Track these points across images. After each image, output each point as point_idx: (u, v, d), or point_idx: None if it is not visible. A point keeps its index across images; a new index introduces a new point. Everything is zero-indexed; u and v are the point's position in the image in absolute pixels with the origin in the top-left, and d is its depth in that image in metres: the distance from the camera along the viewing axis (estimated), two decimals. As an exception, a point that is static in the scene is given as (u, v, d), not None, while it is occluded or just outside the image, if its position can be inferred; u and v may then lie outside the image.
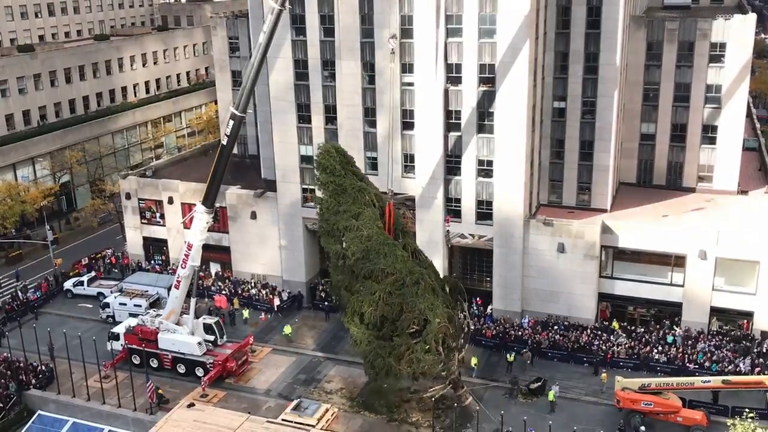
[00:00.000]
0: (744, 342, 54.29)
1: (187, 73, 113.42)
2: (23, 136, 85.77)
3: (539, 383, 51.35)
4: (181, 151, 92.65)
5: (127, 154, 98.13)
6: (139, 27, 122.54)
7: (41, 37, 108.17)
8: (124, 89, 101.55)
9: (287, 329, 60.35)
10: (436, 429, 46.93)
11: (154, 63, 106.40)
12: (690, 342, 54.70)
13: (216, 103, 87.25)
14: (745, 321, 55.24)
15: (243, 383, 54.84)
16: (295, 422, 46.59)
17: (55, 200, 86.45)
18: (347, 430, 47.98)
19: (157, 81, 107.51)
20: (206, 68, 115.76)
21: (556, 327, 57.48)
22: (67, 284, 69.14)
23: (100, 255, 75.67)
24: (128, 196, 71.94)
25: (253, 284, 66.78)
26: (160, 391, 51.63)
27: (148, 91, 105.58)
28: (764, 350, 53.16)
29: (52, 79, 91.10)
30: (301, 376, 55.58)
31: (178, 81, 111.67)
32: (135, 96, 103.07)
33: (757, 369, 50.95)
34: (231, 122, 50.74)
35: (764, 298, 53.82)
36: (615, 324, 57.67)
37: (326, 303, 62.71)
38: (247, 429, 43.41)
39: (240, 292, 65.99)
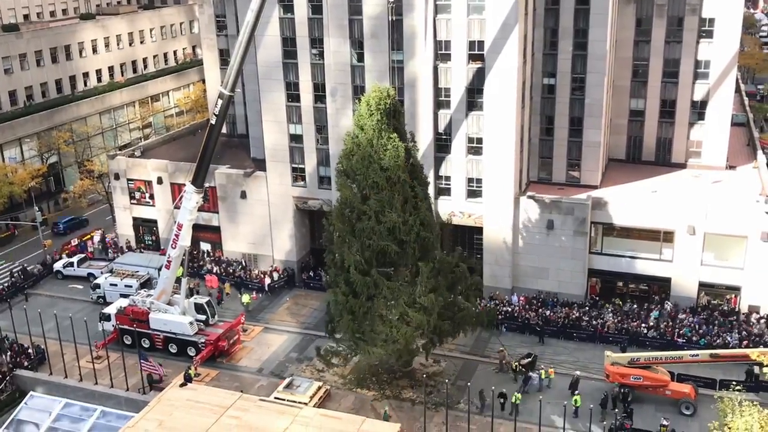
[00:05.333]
0: (730, 317, 54.84)
1: (174, 52, 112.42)
2: (10, 116, 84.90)
3: (529, 359, 51.75)
4: (170, 131, 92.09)
5: (115, 134, 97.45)
6: (125, 5, 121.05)
7: (26, 17, 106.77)
8: (111, 68, 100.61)
9: (245, 298, 61.35)
10: (428, 405, 47.25)
11: (141, 42, 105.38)
12: (677, 318, 55.20)
13: (204, 82, 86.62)
14: (734, 296, 55.74)
15: (235, 362, 55.07)
16: (288, 400, 46.80)
17: (44, 181, 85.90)
18: (340, 407, 48.29)
19: (144, 60, 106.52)
20: (193, 47, 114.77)
21: (552, 307, 57.78)
22: (57, 265, 68.96)
23: (89, 236, 75.48)
24: (117, 177, 71.56)
25: (243, 264, 66.87)
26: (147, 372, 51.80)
27: (135, 71, 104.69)
28: (752, 324, 53.78)
29: (38, 59, 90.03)
30: (293, 355, 55.82)
31: (165, 60, 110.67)
32: (122, 75, 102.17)
33: (745, 342, 51.53)
34: (219, 101, 50.44)
35: (752, 272, 54.28)
36: (618, 301, 57.94)
37: (318, 281, 62.88)
38: (240, 407, 43.56)
39: (232, 272, 66.08)
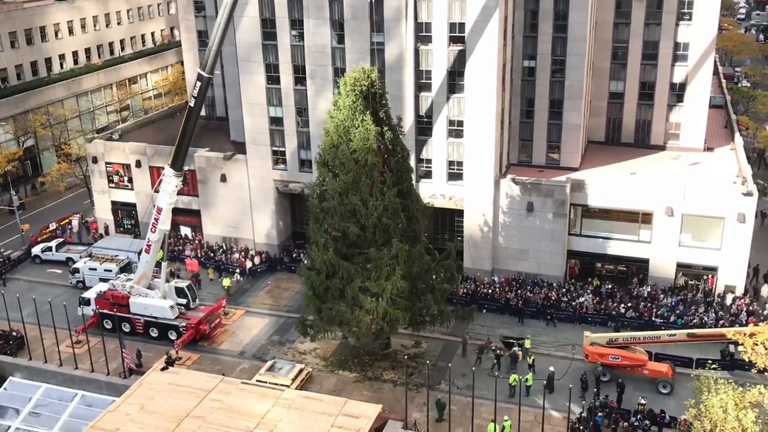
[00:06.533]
0: (707, 297, 55.62)
1: (152, 34, 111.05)
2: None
3: (517, 338, 51.80)
4: (148, 114, 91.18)
5: (92, 117, 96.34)
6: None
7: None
8: (87, 50, 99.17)
9: (226, 282, 61.45)
10: (410, 386, 47.56)
11: (118, 23, 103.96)
12: (655, 299, 55.91)
13: (182, 64, 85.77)
14: (710, 276, 56.48)
15: (216, 346, 55.03)
16: (270, 383, 46.91)
17: (20, 165, 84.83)
18: (321, 389, 48.50)
19: (121, 42, 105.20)
20: (171, 28, 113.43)
21: (532, 287, 58.21)
22: (36, 250, 68.30)
23: (67, 220, 74.79)
24: (95, 160, 70.83)
25: (225, 248, 66.63)
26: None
27: (112, 53, 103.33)
28: (728, 304, 54.59)
29: (12, 41, 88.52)
30: (275, 338, 55.89)
31: (143, 41, 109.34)
32: (99, 57, 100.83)
33: (721, 322, 52.31)
34: (198, 84, 49.95)
35: (728, 253, 54.99)
36: (596, 281, 58.57)
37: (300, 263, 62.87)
38: (222, 390, 43.56)
39: (214, 256, 65.88)
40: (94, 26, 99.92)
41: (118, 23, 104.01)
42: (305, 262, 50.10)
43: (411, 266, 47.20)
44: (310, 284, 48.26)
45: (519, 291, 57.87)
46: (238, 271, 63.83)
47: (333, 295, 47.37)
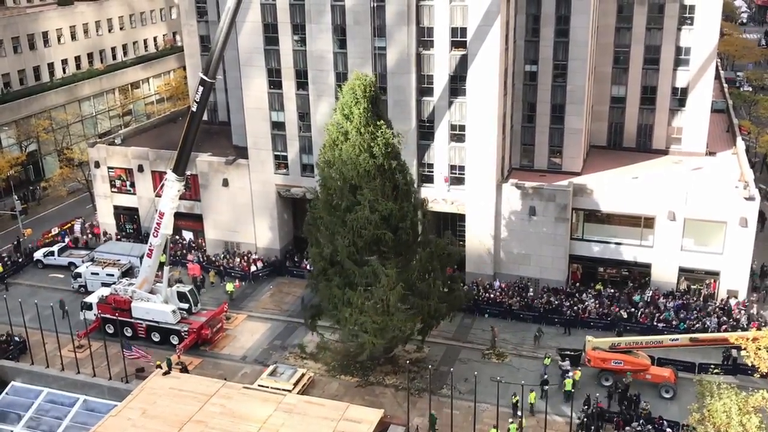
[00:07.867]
0: (708, 301, 55.54)
1: (155, 39, 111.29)
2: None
3: (574, 353, 50.70)
4: (150, 118, 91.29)
5: (94, 121, 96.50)
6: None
7: (2, 2, 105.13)
8: (90, 55, 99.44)
9: (229, 286, 61.44)
10: (412, 391, 47.48)
11: (120, 28, 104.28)
12: (656, 304, 55.80)
13: (184, 69, 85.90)
14: (713, 280, 56.38)
15: (218, 350, 55.00)
16: (272, 387, 46.86)
17: (23, 170, 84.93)
18: (323, 394, 48.41)
19: (124, 47, 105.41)
20: (174, 33, 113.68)
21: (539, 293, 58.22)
22: (38, 254, 68.34)
23: (69, 224, 74.83)
24: (97, 165, 70.96)
25: (223, 254, 66.58)
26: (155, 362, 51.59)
27: (114, 57, 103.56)
28: (730, 308, 54.48)
29: (15, 46, 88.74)
30: (277, 342, 55.84)
31: (146, 47, 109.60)
32: (102, 62, 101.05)
33: (723, 327, 52.20)
34: (200, 88, 50.06)
35: (731, 257, 54.89)
36: (598, 286, 58.50)
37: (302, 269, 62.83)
38: (224, 395, 43.55)
39: (215, 261, 65.86)
40: (96, 31, 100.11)
41: (121, 28, 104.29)
42: (328, 281, 47.44)
43: (442, 260, 48.47)
44: (346, 301, 45.73)
45: (523, 294, 57.79)
46: (239, 275, 63.87)
47: (370, 306, 45.02)
